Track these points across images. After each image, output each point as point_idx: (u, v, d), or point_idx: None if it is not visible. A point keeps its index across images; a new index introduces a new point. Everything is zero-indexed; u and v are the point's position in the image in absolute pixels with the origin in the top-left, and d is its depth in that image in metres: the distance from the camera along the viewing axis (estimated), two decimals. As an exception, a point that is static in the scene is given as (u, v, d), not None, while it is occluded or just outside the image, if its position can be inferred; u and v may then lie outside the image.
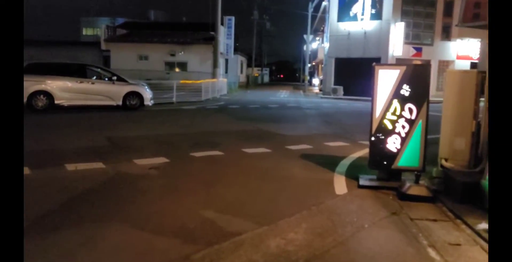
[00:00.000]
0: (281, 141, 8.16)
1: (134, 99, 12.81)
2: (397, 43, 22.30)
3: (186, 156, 6.28)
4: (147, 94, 13.11)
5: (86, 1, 73.99)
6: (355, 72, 23.67)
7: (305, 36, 29.01)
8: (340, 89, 23.80)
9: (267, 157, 6.50)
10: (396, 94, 4.52)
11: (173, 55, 28.32)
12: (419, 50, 23.17)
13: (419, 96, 4.52)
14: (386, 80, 4.67)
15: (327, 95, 24.10)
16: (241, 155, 6.60)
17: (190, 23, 38.03)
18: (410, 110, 4.50)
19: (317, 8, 29.31)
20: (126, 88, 12.71)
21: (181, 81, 18.25)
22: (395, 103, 4.58)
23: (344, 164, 6.06)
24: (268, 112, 14.31)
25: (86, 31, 52.34)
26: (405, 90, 4.51)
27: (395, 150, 4.59)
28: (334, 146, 7.71)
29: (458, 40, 24.28)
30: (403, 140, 4.54)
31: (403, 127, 4.55)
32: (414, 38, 23.12)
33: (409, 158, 4.54)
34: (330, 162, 6.03)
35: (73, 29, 53.94)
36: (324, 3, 27.31)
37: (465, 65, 24.86)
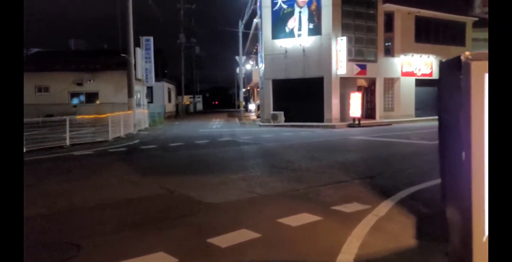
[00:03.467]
0: (202, 223, 4.40)
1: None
2: (340, 60, 19.72)
3: None
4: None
5: None
6: (296, 95, 20.69)
7: (237, 57, 25.86)
8: (281, 115, 20.61)
9: None
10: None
11: (80, 84, 23.65)
12: (363, 67, 20.81)
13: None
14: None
15: (267, 123, 20.77)
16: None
17: (107, 49, 33.52)
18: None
19: (248, 26, 26.43)
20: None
21: (78, 117, 13.90)
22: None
23: None
24: (192, 154, 10.43)
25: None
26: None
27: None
28: (299, 228, 4.15)
29: (402, 56, 22.37)
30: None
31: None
32: (357, 55, 20.74)
33: None
34: None
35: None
36: (255, 20, 24.45)
37: (409, 82, 22.98)
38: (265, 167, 7.97)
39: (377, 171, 7.25)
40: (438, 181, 6.60)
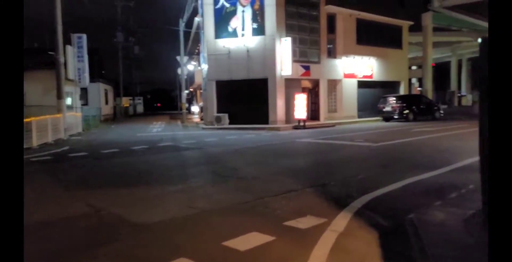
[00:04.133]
0: (129, 252, 3.61)
1: None
2: (285, 61, 19.43)
3: None
4: None
5: None
6: (240, 97, 20.13)
7: (178, 57, 24.77)
8: (225, 117, 19.93)
9: None
10: None
11: (2, 84, 21.30)
12: (307, 68, 20.70)
13: None
14: None
15: (210, 126, 20.00)
16: None
17: (36, 47, 30.83)
18: None
19: (190, 24, 25.44)
20: None
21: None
22: None
23: None
24: (126, 162, 9.44)
25: None
26: None
27: None
28: (248, 253, 3.64)
29: (344, 58, 22.60)
30: None
31: None
32: (301, 56, 20.60)
33: None
34: None
35: None
36: (197, 19, 23.56)
37: (352, 84, 23.30)
38: (208, 176, 7.25)
39: (328, 178, 6.80)
40: (390, 187, 6.28)
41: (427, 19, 27.78)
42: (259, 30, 19.75)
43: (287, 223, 4.31)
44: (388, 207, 4.96)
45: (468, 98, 49.88)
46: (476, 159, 8.80)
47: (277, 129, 18.23)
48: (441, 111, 23.64)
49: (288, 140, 13.42)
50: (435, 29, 29.18)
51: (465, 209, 4.64)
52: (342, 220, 4.44)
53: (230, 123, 19.78)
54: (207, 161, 9.24)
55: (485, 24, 32.63)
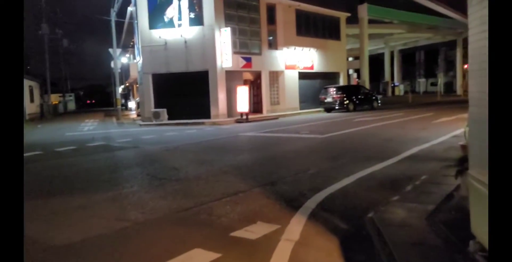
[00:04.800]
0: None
1: None
2: (225, 52, 18.72)
3: None
4: None
5: None
6: (179, 91, 19.15)
7: (110, 50, 23.10)
8: (164, 112, 18.86)
9: None
10: None
11: None
12: (248, 60, 20.16)
13: None
14: None
15: (148, 122, 18.84)
16: None
17: None
18: None
19: (123, 14, 23.79)
20: None
21: None
22: None
23: None
24: (49, 167, 8.30)
25: None
26: None
27: None
28: None
29: (285, 49, 22.35)
30: None
31: None
32: (242, 47, 19.99)
33: None
34: None
35: None
36: (130, 9, 22.06)
37: (293, 75, 23.16)
38: (143, 179, 6.44)
39: (277, 175, 6.29)
40: (343, 182, 5.88)
41: (363, 11, 28.35)
42: (197, 20, 18.83)
43: (235, 234, 3.71)
44: (344, 206, 4.52)
45: (400, 88, 52.36)
46: (420, 147, 8.84)
47: (220, 123, 17.56)
48: (379, 101, 24.26)
49: (231, 134, 12.80)
50: (370, 22, 29.92)
51: (424, 204, 4.32)
52: (296, 226, 3.92)
53: (169, 118, 18.76)
54: (142, 161, 8.36)
55: (414, 15, 34.10)
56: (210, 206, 4.70)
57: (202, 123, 17.67)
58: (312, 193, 5.10)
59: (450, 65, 55.70)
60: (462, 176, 4.38)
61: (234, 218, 4.23)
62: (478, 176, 2.77)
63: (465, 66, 45.31)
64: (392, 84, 49.41)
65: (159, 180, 6.29)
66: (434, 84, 58.36)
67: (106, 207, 4.90)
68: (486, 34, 3.50)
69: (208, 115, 18.91)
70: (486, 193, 2.67)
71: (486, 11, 3.43)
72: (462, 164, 4.59)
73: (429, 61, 57.79)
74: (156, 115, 18.71)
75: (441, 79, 47.64)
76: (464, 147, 6.66)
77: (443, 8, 31.24)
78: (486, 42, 3.52)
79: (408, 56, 57.95)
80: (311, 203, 4.66)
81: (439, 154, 7.64)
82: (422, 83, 61.46)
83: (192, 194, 5.32)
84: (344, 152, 8.22)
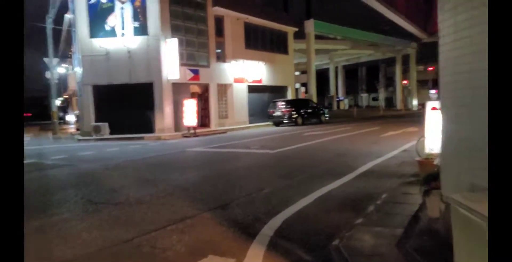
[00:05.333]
0: None
1: None
2: (172, 64, 18.00)
3: None
4: None
5: None
6: (123, 103, 18.12)
7: (46, 59, 21.51)
8: (105, 126, 17.68)
9: None
10: None
11: None
12: (196, 72, 19.57)
13: None
14: None
15: (88, 137, 17.55)
16: None
17: None
18: None
19: (60, 21, 22.27)
20: None
21: None
22: None
23: None
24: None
25: None
26: None
27: None
28: None
29: (233, 62, 22.02)
30: None
31: None
32: (189, 59, 19.38)
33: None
34: None
35: None
36: (68, 16, 20.70)
37: (242, 89, 22.86)
38: (77, 204, 5.62)
39: (228, 195, 5.75)
40: (300, 203, 5.45)
41: (310, 27, 28.88)
42: (142, 29, 18.00)
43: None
44: (305, 232, 4.07)
45: (345, 102, 54.02)
46: (374, 162, 8.71)
47: (166, 138, 16.71)
48: (327, 115, 24.55)
49: (178, 150, 12.07)
50: (316, 37, 30.53)
51: (391, 228, 3.98)
52: (254, 259, 3.41)
53: (111, 133, 17.60)
54: (77, 182, 7.45)
55: (357, 32, 35.32)
56: (153, 236, 4.06)
57: (147, 138, 16.73)
58: (268, 217, 4.62)
59: (390, 81, 58.55)
60: (429, 196, 4.11)
61: (181, 251, 3.63)
62: (466, 202, 2.44)
63: (404, 82, 47.76)
64: (337, 99, 50.83)
65: (95, 204, 5.51)
66: (375, 99, 60.95)
67: (27, 241, 4.08)
68: (462, 43, 3.19)
69: (153, 130, 17.99)
70: (477, 221, 2.33)
71: (461, 17, 3.13)
72: (428, 183, 4.33)
73: (370, 76, 60.43)
74: (97, 130, 17.48)
75: (382, 94, 49.76)
76: (421, 163, 6.55)
77: (397, 16, 31.04)
78: (462, 52, 3.21)
79: (351, 72, 60.23)
80: (269, 229, 4.17)
81: (394, 169, 7.49)
82: (364, 98, 63.98)
83: (133, 221, 4.64)
84: (298, 169, 7.86)
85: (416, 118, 25.43)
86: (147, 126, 18.02)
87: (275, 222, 4.43)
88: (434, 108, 6.53)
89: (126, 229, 4.34)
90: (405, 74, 48.74)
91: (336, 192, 5.77)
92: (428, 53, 38.22)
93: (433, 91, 59.05)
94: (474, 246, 2.47)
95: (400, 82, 46.66)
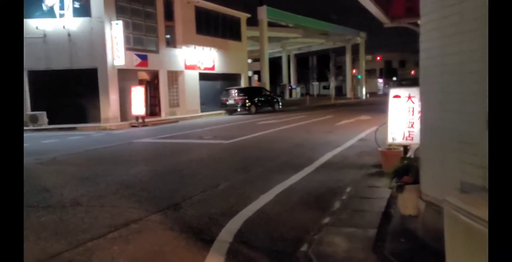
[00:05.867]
0: None
1: None
2: (117, 48, 16.79)
3: None
4: None
5: None
6: (63, 91, 16.73)
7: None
8: (43, 116, 16.22)
9: None
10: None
11: None
12: (144, 58, 18.45)
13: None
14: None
15: (24, 127, 16.01)
16: None
17: None
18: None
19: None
20: None
21: None
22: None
23: None
24: None
25: None
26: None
27: None
28: None
29: (184, 48, 21.06)
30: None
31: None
32: (137, 44, 18.21)
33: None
34: None
35: None
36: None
37: (194, 76, 21.99)
38: (-2, 207, 4.78)
39: (180, 193, 5.16)
40: (261, 201, 4.86)
41: (262, 13, 28.30)
42: (83, 10, 16.58)
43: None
44: (269, 236, 3.60)
45: (297, 90, 54.34)
46: (333, 153, 8.43)
47: (112, 128, 15.63)
48: (280, 104, 24.32)
49: (124, 141, 11.18)
50: (268, 25, 30.06)
51: (363, 228, 3.60)
52: (212, 273, 2.88)
53: (50, 123, 16.19)
54: (4, 179, 6.51)
55: (309, 20, 35.34)
56: (89, 248, 3.41)
57: (91, 128, 15.55)
58: (226, 218, 4.10)
59: (340, 70, 59.64)
60: (403, 192, 3.77)
61: (124, 267, 3.03)
62: (467, 207, 2.05)
63: (353, 71, 48.74)
64: (290, 87, 50.96)
65: (24, 207, 4.70)
66: (326, 87, 61.94)
67: None
68: (450, 21, 2.79)
69: (98, 119, 16.79)
70: (480, 229, 1.95)
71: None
72: (398, 177, 4.00)
73: (321, 65, 61.16)
74: (34, 119, 16.00)
75: (332, 83, 50.54)
76: (385, 154, 6.30)
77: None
78: (450, 31, 2.80)
79: (302, 61, 60.63)
80: (227, 234, 3.66)
81: (353, 160, 7.23)
82: (315, 87, 64.79)
83: (66, 229, 3.94)
84: (254, 161, 7.38)
85: (367, 106, 25.92)
86: (91, 115, 16.78)
87: (234, 224, 3.92)
88: (396, 96, 6.27)
89: (56, 239, 3.65)
90: (355, 63, 49.74)
91: (297, 187, 5.35)
92: (376, 43, 39.09)
93: (380, 80, 61.02)
94: (473, 255, 2.10)
95: (350, 71, 47.56)
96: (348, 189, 5.09)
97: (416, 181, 3.77)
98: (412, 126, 6.17)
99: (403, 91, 6.24)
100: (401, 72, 62.49)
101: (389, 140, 6.21)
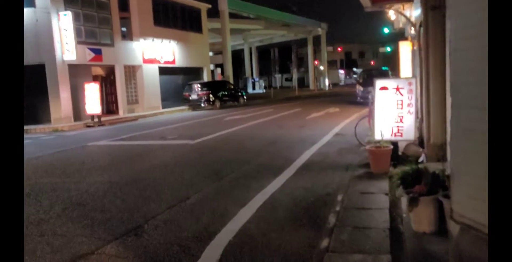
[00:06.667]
0: None
1: None
2: (67, 42, 15.34)
3: None
4: None
5: None
6: (7, 89, 15.04)
7: None
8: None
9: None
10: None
11: None
12: (98, 52, 17.04)
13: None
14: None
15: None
16: None
17: None
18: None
19: None
20: None
21: None
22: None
23: None
24: None
25: None
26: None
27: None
28: None
29: (142, 41, 19.76)
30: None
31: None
32: (89, 37, 16.76)
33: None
34: None
35: None
36: None
37: (153, 70, 20.75)
38: None
39: (142, 211, 4.30)
40: (240, 219, 2.80)
41: (223, 4, 27.25)
42: (26, 0, 14.97)
43: None
44: (257, 270, 2.84)
45: (260, 83, 53.70)
46: (311, 151, 7.78)
47: (64, 129, 14.28)
48: (245, 97, 23.55)
49: (77, 145, 10.01)
50: (230, 16, 29.09)
51: (373, 254, 2.92)
52: None
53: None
54: None
55: (271, 11, 34.70)
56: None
57: (40, 130, 14.12)
58: (200, 244, 3.31)
59: (302, 62, 59.52)
60: (418, 206, 3.11)
61: None
62: None
63: (316, 62, 48.66)
64: (253, 80, 50.24)
65: None
66: (288, 79, 61.70)
67: None
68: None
69: (48, 120, 15.33)
70: None
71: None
72: (407, 186, 3.34)
73: (283, 57, 60.81)
74: (-26, 122, 14.34)
75: (295, 75, 50.26)
76: (373, 153, 5.68)
77: None
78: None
79: (264, 53, 59.98)
80: (204, 270, 2.87)
81: (335, 159, 6.60)
82: (278, 79, 64.41)
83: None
84: (226, 164, 6.57)
85: (332, 98, 25.64)
86: (39, 116, 15.29)
87: (211, 253, 3.14)
88: (383, 88, 5.66)
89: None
90: (316, 54, 49.64)
91: (281, 196, 4.62)
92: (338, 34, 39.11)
93: (341, 71, 61.55)
94: None
95: (312, 63, 47.43)
96: (339, 197, 4.42)
97: (431, 191, 3.13)
98: (401, 121, 5.59)
99: (390, 82, 5.64)
100: (360, 62, 63.29)
101: (376, 137, 5.61)
